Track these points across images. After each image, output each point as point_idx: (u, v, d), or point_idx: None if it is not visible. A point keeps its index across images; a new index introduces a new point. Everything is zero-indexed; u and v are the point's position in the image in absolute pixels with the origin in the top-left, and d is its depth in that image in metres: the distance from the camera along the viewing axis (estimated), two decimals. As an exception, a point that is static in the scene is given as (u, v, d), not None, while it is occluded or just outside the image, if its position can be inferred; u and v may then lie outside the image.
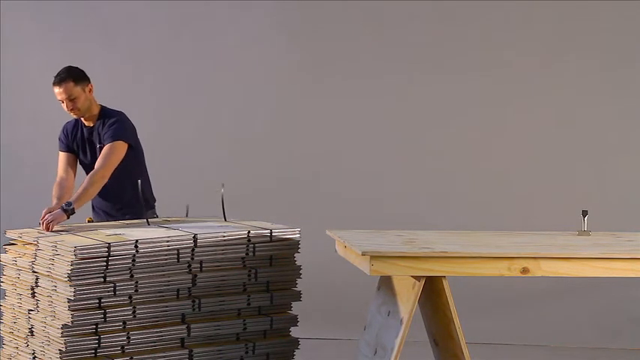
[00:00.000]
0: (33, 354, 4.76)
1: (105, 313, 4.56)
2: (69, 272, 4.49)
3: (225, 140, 7.89)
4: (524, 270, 4.34)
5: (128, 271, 4.63)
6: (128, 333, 4.63)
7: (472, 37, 7.73)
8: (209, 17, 7.89)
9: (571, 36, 7.67)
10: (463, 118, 7.74)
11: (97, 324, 4.56)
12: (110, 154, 5.31)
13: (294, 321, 5.09)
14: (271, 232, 5.00)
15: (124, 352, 4.63)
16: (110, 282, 4.59)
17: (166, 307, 4.73)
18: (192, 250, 4.79)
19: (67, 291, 4.51)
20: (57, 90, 5.39)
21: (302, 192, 7.48)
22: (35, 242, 4.78)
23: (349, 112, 7.78)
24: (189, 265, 4.79)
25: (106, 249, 4.56)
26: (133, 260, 4.63)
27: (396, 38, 7.76)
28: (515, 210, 7.36)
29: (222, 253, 4.87)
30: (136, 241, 4.64)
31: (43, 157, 7.95)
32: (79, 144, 5.51)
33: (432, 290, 4.50)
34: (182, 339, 4.78)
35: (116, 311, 4.60)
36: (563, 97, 7.69)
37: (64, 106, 5.38)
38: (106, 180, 5.30)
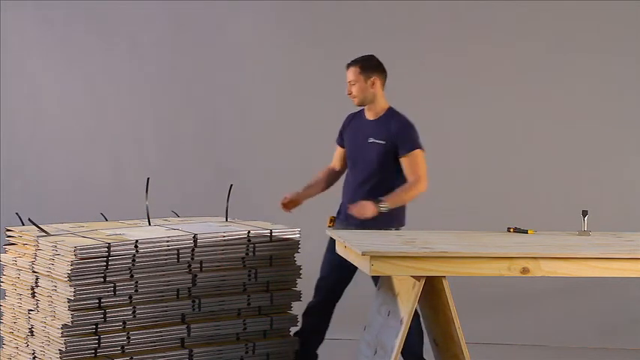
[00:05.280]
0: (33, 354, 4.76)
1: (105, 313, 4.57)
2: (69, 272, 4.49)
3: (226, 140, 7.89)
4: (524, 270, 4.34)
5: (128, 271, 4.64)
6: (128, 333, 4.64)
7: (472, 37, 7.72)
8: (209, 17, 7.89)
9: (572, 36, 7.67)
10: (463, 119, 7.73)
11: (97, 324, 4.57)
12: (419, 163, 5.23)
13: (294, 321, 5.10)
14: (271, 232, 5.00)
15: (124, 352, 4.64)
16: (110, 282, 4.59)
17: (166, 307, 4.73)
18: (192, 250, 4.79)
19: (67, 291, 4.51)
20: (346, 72, 5.36)
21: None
22: (35, 242, 4.78)
23: (348, 113, 7.77)
24: (189, 265, 4.80)
25: (106, 249, 4.56)
26: (133, 260, 4.63)
27: (396, 39, 7.76)
28: (516, 210, 7.36)
29: (222, 253, 4.87)
30: (136, 241, 4.64)
31: (44, 157, 7.96)
32: (352, 132, 5.35)
33: (432, 290, 4.50)
34: (182, 339, 4.78)
35: (116, 311, 4.60)
36: (564, 98, 7.69)
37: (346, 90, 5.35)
38: (425, 189, 5.22)
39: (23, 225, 5.03)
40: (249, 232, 4.95)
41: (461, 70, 7.73)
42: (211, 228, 5.01)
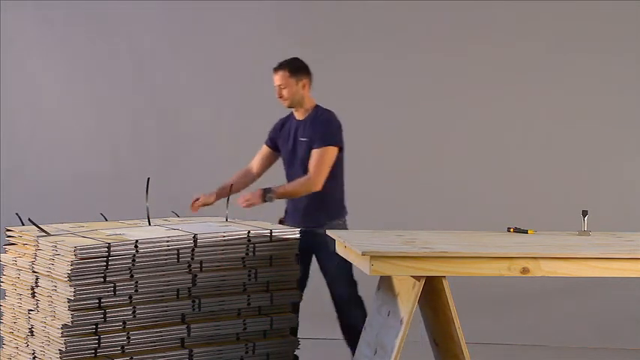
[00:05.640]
0: (33, 354, 4.76)
1: (105, 313, 4.57)
2: (69, 272, 4.49)
3: (226, 140, 7.89)
4: (524, 270, 4.34)
5: (128, 271, 4.63)
6: (128, 333, 4.64)
7: (472, 37, 7.72)
8: (209, 17, 7.89)
9: (572, 36, 7.67)
10: (463, 119, 7.74)
11: (97, 324, 4.56)
12: (323, 161, 5.31)
13: (294, 321, 5.10)
14: (271, 232, 5.00)
15: (124, 352, 4.63)
16: (110, 282, 4.59)
17: (166, 307, 4.73)
18: (192, 250, 4.79)
19: (67, 291, 4.51)
20: (273, 76, 5.50)
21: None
22: (35, 242, 4.78)
23: (349, 112, 7.75)
24: (189, 265, 4.79)
25: (106, 249, 4.56)
26: (133, 260, 4.63)
27: (396, 39, 7.76)
28: (516, 210, 7.36)
29: (222, 253, 4.87)
30: (136, 241, 4.64)
31: (44, 156, 7.96)
32: (285, 136, 5.54)
33: (432, 290, 4.50)
34: (182, 339, 4.78)
35: (116, 311, 4.60)
36: (563, 97, 7.69)
37: (276, 93, 5.49)
38: (319, 188, 5.30)
39: (23, 225, 5.03)
40: (249, 232, 4.95)
41: (461, 70, 7.73)
42: (211, 228, 5.01)
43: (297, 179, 5.35)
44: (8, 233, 5.02)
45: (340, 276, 5.26)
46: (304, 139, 5.39)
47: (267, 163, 5.67)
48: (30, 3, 7.92)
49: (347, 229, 5.43)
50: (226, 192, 5.53)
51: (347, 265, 5.22)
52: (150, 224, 5.17)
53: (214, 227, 5.05)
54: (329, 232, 5.01)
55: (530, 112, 7.71)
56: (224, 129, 7.89)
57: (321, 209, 5.37)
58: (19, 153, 7.92)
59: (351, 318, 5.32)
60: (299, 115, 5.51)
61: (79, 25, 7.94)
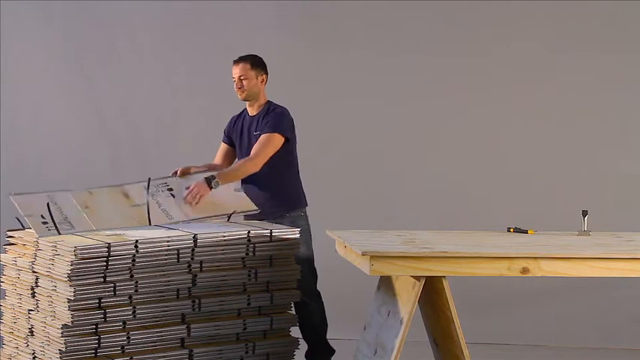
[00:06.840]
0: (33, 354, 4.76)
1: (105, 313, 4.57)
2: (69, 272, 4.49)
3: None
4: (524, 270, 4.34)
5: (128, 271, 4.64)
6: (128, 333, 4.64)
7: (473, 37, 7.72)
8: (209, 17, 7.89)
9: (571, 36, 7.66)
10: (463, 119, 7.73)
11: (97, 324, 4.57)
12: (266, 145, 5.43)
13: (294, 321, 5.10)
14: (271, 232, 5.00)
15: (124, 352, 4.64)
16: (110, 282, 4.59)
17: (166, 307, 4.73)
18: (192, 250, 4.79)
19: (67, 291, 4.51)
20: (234, 68, 5.61)
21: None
22: (35, 242, 4.78)
23: (349, 112, 7.77)
24: (189, 265, 4.80)
25: (106, 249, 4.56)
26: (133, 260, 4.63)
27: (396, 39, 7.76)
28: (516, 210, 7.36)
29: (222, 253, 4.87)
30: (136, 241, 4.64)
31: (44, 156, 7.96)
32: (238, 132, 5.66)
33: (432, 290, 4.50)
34: (182, 339, 4.78)
35: (116, 311, 4.60)
36: (563, 97, 7.69)
37: (235, 84, 5.59)
38: (258, 169, 5.42)
39: (24, 228, 5.03)
40: (249, 232, 4.95)
41: (460, 70, 7.72)
42: (211, 228, 5.01)
43: (237, 162, 5.49)
44: (9, 233, 5.02)
45: (301, 268, 5.27)
46: (258, 133, 5.52)
47: (229, 159, 5.77)
48: (30, 3, 7.91)
49: (307, 218, 5.52)
50: (194, 170, 5.58)
51: (308, 258, 5.37)
52: (150, 224, 5.17)
53: (214, 227, 5.05)
54: (329, 232, 5.02)
55: (530, 112, 7.71)
56: (224, 128, 7.88)
57: (281, 200, 5.49)
58: (19, 153, 7.92)
59: (308, 311, 5.40)
60: (252, 111, 5.63)
61: (79, 24, 7.93)
